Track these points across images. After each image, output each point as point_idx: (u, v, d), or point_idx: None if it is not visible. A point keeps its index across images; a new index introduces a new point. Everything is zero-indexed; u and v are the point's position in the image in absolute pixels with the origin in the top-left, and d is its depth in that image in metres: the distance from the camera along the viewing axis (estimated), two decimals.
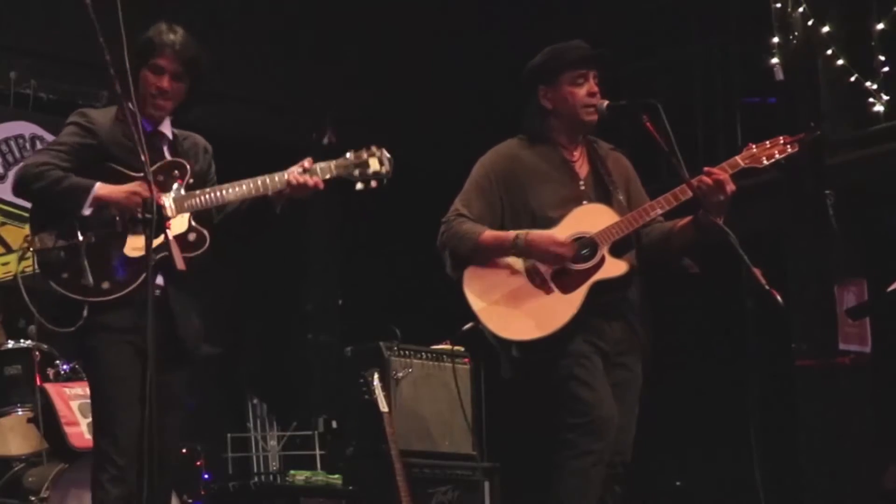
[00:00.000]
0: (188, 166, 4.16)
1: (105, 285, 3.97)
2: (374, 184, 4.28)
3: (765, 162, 4.42)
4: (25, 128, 7.39)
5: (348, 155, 4.27)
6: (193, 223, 4.11)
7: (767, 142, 4.45)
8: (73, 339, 4.07)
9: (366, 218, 8.82)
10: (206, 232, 4.11)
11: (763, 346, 7.42)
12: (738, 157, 4.41)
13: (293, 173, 4.15)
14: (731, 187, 4.30)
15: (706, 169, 4.34)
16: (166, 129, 4.23)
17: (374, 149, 4.28)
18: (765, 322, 7.17)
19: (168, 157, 4.17)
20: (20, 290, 4.08)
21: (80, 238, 3.97)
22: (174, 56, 4.12)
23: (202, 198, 4.10)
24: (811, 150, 4.43)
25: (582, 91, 4.51)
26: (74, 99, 7.15)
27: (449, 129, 8.87)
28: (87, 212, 3.97)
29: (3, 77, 7.29)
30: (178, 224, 4.09)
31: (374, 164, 4.26)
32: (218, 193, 4.12)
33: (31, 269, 4.09)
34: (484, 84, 8.66)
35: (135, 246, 3.98)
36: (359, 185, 4.27)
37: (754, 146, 4.44)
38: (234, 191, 4.12)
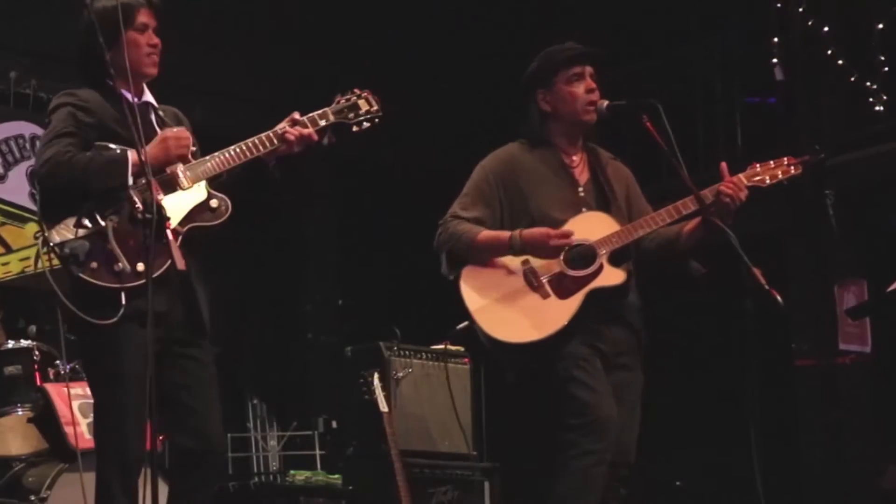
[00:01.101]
0: (190, 134, 4.08)
1: (140, 267, 3.78)
2: (367, 124, 4.25)
3: (768, 181, 4.43)
4: (25, 128, 7.39)
5: (338, 100, 4.25)
6: (211, 190, 4.01)
7: (772, 162, 4.46)
8: (96, 334, 3.84)
9: (366, 218, 8.84)
10: (226, 197, 4.01)
11: (763, 346, 7.42)
12: (741, 175, 4.41)
13: (284, 127, 4.10)
14: (745, 193, 4.35)
15: (723, 177, 4.36)
16: (150, 97, 4.14)
17: (357, 91, 4.28)
18: (765, 322, 7.17)
19: (156, 126, 4.07)
20: (52, 289, 3.80)
21: (103, 223, 3.82)
22: (152, 11, 4.06)
23: (212, 162, 4.01)
24: (814, 172, 4.48)
25: (580, 89, 4.51)
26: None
27: (449, 129, 8.87)
28: (131, 181, 3.82)
29: (3, 77, 7.28)
30: (197, 193, 3.99)
31: (364, 105, 4.25)
32: (226, 155, 4.03)
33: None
34: (484, 85, 8.66)
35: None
36: (354, 129, 4.24)
37: (758, 165, 4.45)
38: (238, 152, 4.04)
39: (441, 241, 4.51)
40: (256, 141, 4.07)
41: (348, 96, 4.25)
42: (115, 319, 3.77)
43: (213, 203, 3.99)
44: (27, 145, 7.33)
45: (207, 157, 4.04)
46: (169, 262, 3.80)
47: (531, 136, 4.61)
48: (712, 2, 8.52)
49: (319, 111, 4.19)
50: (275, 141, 4.07)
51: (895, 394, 7.50)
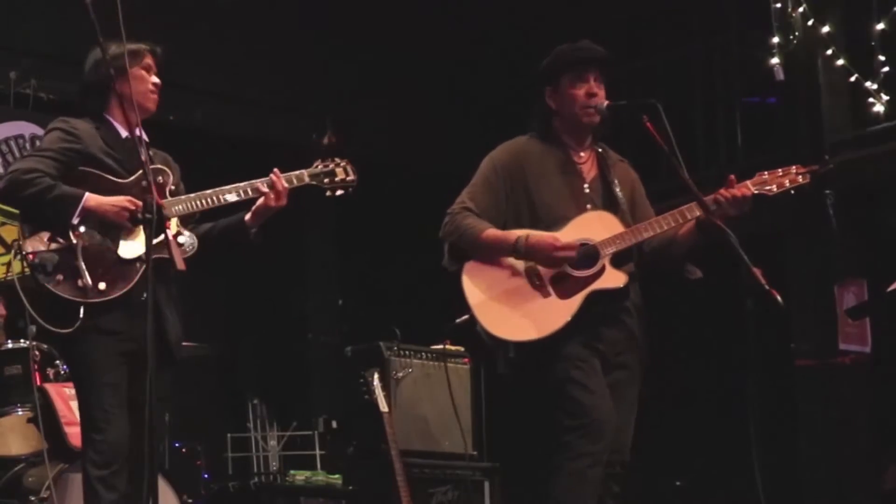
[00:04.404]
0: (171, 173, 4.31)
1: (102, 286, 4.03)
2: (339, 192, 4.51)
3: (775, 190, 4.40)
4: (25, 128, 7.39)
5: (317, 165, 4.49)
6: (181, 228, 4.23)
7: (779, 170, 4.43)
8: (65, 341, 4.12)
9: (365, 218, 8.84)
10: (194, 235, 4.24)
11: (763, 346, 7.43)
12: (748, 182, 4.38)
13: (266, 180, 4.32)
14: (749, 206, 4.33)
15: (729, 187, 4.33)
16: (143, 135, 4.25)
17: (337, 160, 4.53)
18: (765, 322, 7.17)
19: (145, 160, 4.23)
20: (17, 290, 4.09)
21: (74, 240, 4.03)
22: (155, 59, 4.35)
23: (188, 203, 4.22)
24: (822, 182, 4.45)
25: (580, 92, 4.51)
26: (74, 99, 7.18)
27: (449, 129, 8.87)
28: (75, 221, 4.04)
29: (3, 77, 7.29)
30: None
31: (340, 174, 4.51)
32: (204, 199, 4.24)
33: (21, 272, 4.10)
34: (485, 84, 8.67)
35: (128, 247, 4.09)
36: (327, 193, 4.50)
37: (766, 173, 4.42)
38: (217, 198, 4.26)
39: (446, 231, 4.51)
40: (233, 189, 4.27)
41: (327, 163, 4.51)
42: (69, 330, 4.00)
43: (181, 239, 4.21)
44: (27, 145, 7.33)
45: (184, 197, 4.26)
46: (130, 285, 4.05)
47: (540, 131, 4.62)
48: (712, 2, 8.51)
49: (297, 172, 4.43)
50: (250, 192, 4.29)
51: (895, 394, 7.50)
